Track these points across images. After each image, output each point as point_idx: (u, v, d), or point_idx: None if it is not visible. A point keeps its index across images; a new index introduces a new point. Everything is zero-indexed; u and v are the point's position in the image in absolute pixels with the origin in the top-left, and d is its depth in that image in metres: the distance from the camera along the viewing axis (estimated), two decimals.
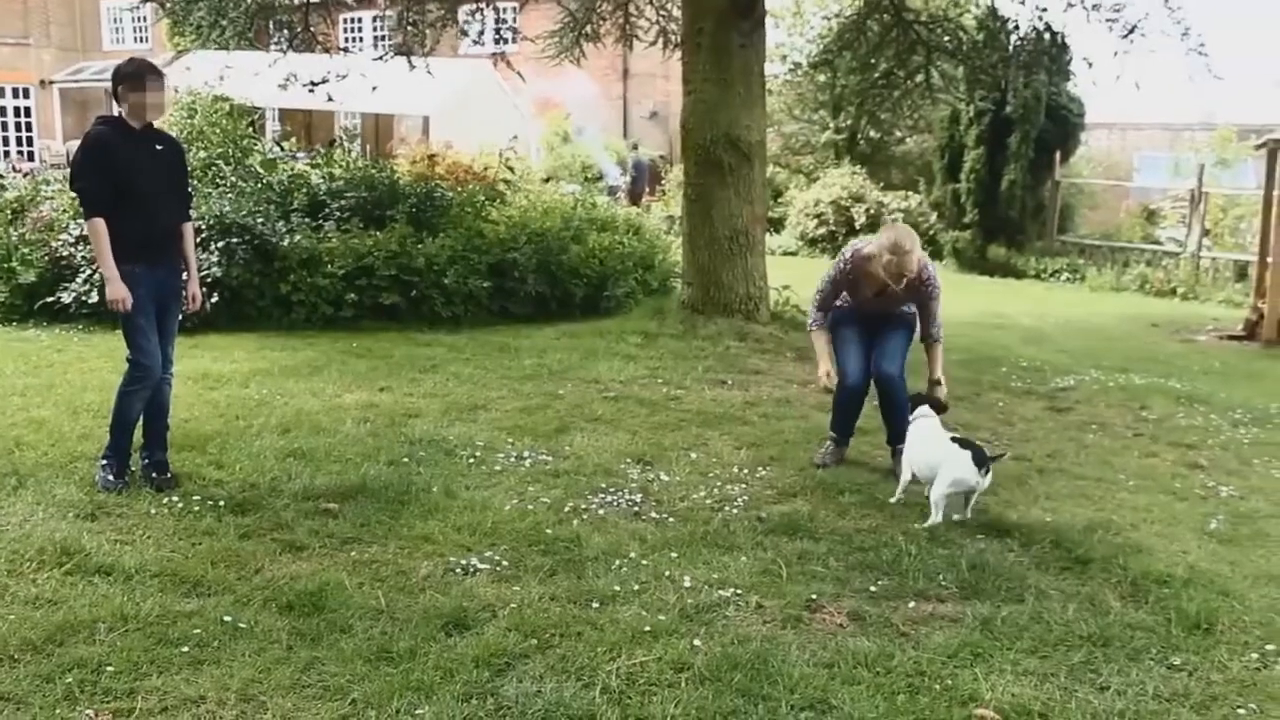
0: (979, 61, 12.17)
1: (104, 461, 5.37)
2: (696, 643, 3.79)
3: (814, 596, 4.23)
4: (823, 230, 21.66)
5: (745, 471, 5.89)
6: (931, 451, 5.31)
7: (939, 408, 5.69)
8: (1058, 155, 19.91)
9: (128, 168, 5.20)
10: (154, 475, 5.36)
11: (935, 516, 5.13)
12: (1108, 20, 10.12)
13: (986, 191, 19.84)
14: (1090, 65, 11.43)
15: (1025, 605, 4.19)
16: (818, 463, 6.08)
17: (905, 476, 5.47)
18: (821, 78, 23.45)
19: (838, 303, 6.12)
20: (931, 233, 20.18)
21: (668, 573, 4.42)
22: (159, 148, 5.40)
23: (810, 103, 25.47)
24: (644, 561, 4.53)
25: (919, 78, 12.19)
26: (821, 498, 5.49)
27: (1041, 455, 6.50)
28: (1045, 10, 11.19)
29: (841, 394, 6.11)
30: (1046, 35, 12.07)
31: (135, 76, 5.22)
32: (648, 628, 3.88)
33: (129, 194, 5.18)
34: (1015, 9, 13.59)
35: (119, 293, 5.16)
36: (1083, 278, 18.74)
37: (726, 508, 5.27)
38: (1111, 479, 6.07)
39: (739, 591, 4.25)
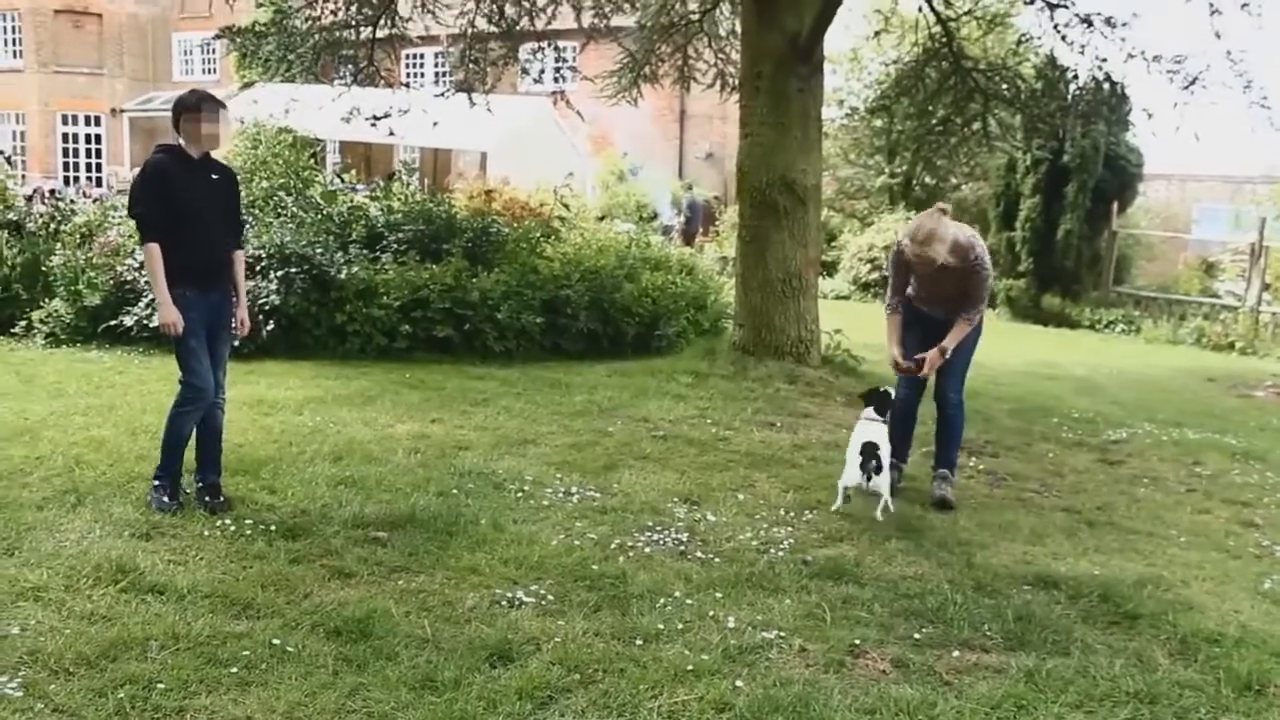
0: (1037, 110, 12.14)
1: (157, 483, 5.47)
2: (739, 683, 3.79)
3: (857, 642, 4.22)
4: (875, 275, 21.61)
5: (792, 514, 5.88)
6: (851, 449, 5.93)
7: (884, 406, 6.10)
8: (1115, 205, 19.76)
9: (184, 195, 5.33)
10: (207, 499, 5.45)
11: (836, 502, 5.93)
12: (1168, 72, 10.06)
13: (1042, 240, 19.72)
14: (1150, 116, 11.30)
15: (1071, 659, 4.15)
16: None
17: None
18: (878, 123, 23.49)
19: (909, 290, 6.27)
20: None
21: (712, 613, 4.42)
22: (215, 177, 5.53)
23: (866, 147, 25.51)
24: (689, 601, 4.54)
25: (976, 125, 12.17)
26: (868, 543, 5.46)
27: (1091, 508, 6.43)
28: (1105, 60, 11.15)
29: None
30: (1106, 85, 11.99)
31: (195, 107, 5.37)
32: (690, 667, 3.88)
33: (184, 220, 5.30)
34: (1075, 58, 13.53)
35: (170, 316, 5.28)
36: (1138, 329, 18.53)
37: (772, 550, 5.27)
38: (1163, 534, 5.99)
39: (782, 634, 4.25)
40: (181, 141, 5.43)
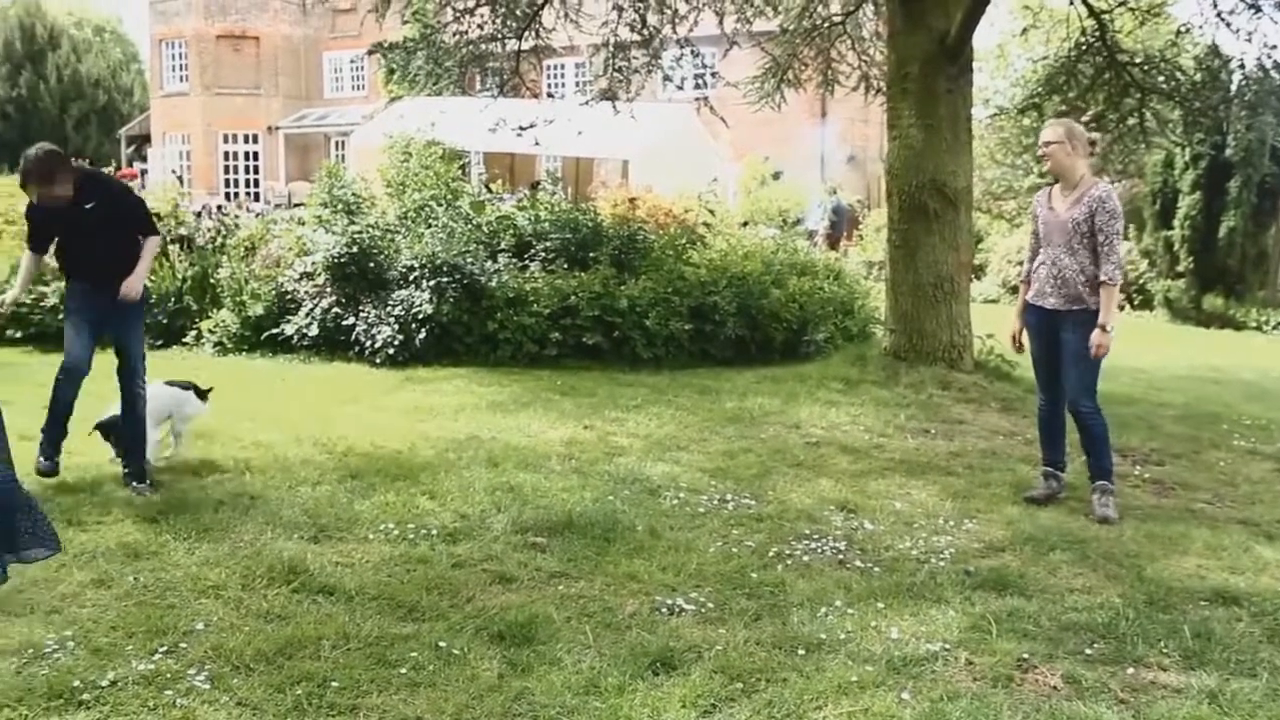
0: (1198, 103, 11.64)
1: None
2: (905, 695, 3.71)
3: (1025, 655, 4.08)
4: None
5: (951, 523, 5.75)
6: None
7: None
8: None
9: None
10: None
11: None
12: None
13: (1202, 239, 18.95)
14: None
15: (1259, 680, 3.93)
16: (1025, 496, 6.17)
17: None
18: (1026, 121, 22.86)
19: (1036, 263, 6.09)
20: (1141, 281, 19.37)
21: (874, 623, 4.34)
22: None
23: (1013, 147, 24.86)
24: (850, 610, 4.47)
25: (1131, 121, 11.76)
26: (1031, 554, 5.30)
27: (1271, 520, 6.11)
28: (1275, 48, 10.65)
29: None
30: (1275, 73, 11.46)
31: None
32: (855, 678, 3.82)
33: None
34: (1240, 47, 12.97)
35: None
36: None
37: (933, 559, 5.15)
38: None
39: (947, 646, 4.14)
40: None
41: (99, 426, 6.11)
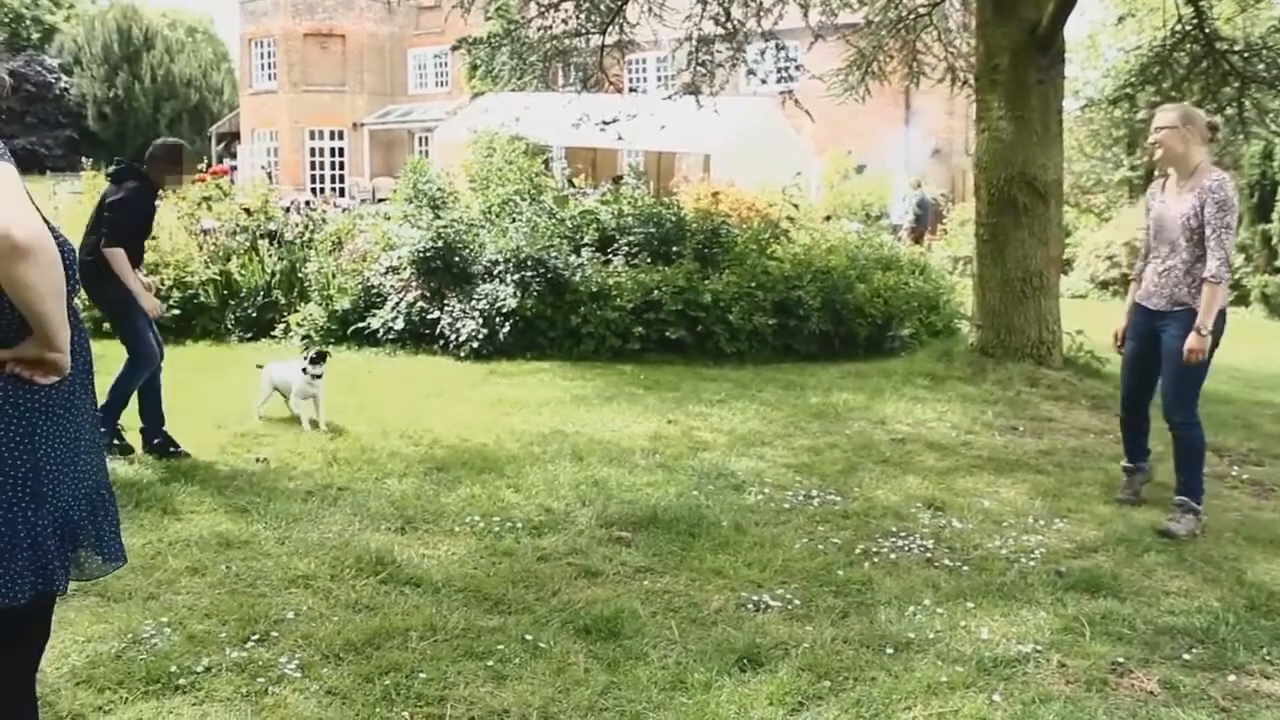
0: None
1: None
2: (996, 698, 3.63)
3: (1121, 659, 3.97)
4: (1115, 273, 20.55)
5: (1041, 523, 5.63)
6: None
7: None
8: None
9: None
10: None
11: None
12: None
13: None
14: None
15: None
16: (1118, 498, 6.00)
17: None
18: (1118, 112, 22.37)
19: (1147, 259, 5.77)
20: (1238, 276, 18.81)
21: (963, 623, 4.26)
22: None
23: (1104, 139, 24.34)
24: (938, 609, 4.39)
25: (1230, 111, 11.43)
26: (1124, 555, 5.16)
27: None
28: None
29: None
30: None
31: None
32: (944, 678, 3.75)
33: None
34: None
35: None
36: None
37: (1023, 559, 5.05)
38: None
39: (1039, 648, 4.05)
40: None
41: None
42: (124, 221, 6.21)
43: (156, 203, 6.64)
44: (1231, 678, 3.87)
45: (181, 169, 6.50)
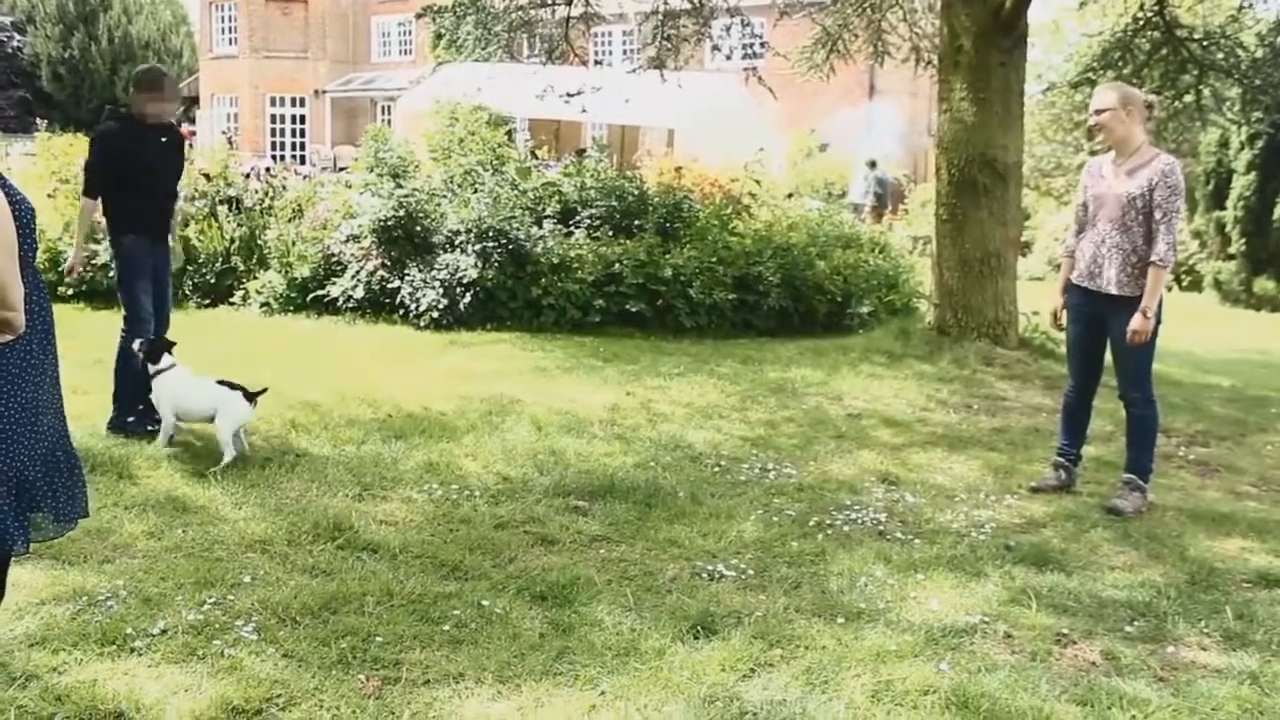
0: (1258, 80, 11.42)
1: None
2: (943, 666, 3.71)
3: (1064, 631, 4.08)
4: None
5: (992, 498, 5.73)
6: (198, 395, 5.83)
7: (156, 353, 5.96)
8: None
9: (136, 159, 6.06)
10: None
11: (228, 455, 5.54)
12: None
13: (1256, 221, 18.58)
14: None
15: None
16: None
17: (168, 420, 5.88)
18: (1079, 97, 22.54)
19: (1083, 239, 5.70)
20: (1192, 262, 19.09)
21: (914, 594, 4.35)
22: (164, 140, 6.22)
23: (1064, 123, 24.54)
24: (889, 581, 4.47)
25: (1188, 98, 11.56)
26: (1072, 530, 5.27)
27: None
28: None
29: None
30: None
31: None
32: (894, 647, 3.83)
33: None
34: None
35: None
36: None
37: (973, 533, 5.14)
38: None
39: (986, 619, 4.14)
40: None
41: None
42: (95, 169, 6.04)
43: (152, 139, 6.14)
44: (1170, 649, 3.98)
45: (163, 95, 6.08)
